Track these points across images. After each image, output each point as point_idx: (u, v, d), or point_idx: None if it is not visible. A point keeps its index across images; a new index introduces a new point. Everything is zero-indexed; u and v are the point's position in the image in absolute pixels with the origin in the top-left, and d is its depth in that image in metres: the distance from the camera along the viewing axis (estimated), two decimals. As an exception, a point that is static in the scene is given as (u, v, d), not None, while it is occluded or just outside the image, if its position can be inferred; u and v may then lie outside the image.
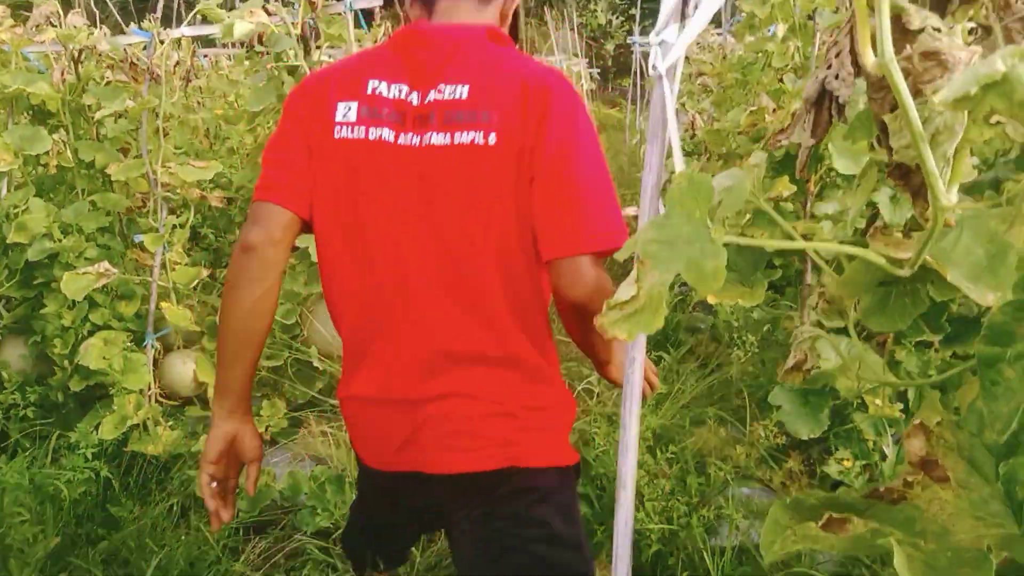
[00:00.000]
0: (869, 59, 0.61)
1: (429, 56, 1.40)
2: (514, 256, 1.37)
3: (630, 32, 22.34)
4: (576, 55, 12.63)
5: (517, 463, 1.41)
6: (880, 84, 0.64)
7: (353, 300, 1.48)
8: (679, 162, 1.06)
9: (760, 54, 2.81)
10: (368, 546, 1.82)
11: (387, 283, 1.41)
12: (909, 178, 0.69)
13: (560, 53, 11.55)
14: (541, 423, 1.45)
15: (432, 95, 1.37)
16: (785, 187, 2.66)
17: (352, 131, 1.38)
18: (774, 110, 2.76)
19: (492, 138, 1.32)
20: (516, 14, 1.62)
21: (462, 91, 1.35)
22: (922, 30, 0.63)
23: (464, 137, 1.33)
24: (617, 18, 21.23)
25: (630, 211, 6.13)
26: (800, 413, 2.69)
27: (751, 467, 2.50)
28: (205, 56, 7.42)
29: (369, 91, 1.40)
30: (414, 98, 1.39)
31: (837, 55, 0.66)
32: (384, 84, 1.40)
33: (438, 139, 1.35)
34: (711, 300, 2.80)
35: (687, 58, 6.32)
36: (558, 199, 1.32)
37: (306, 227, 1.47)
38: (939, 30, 0.63)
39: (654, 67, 1.04)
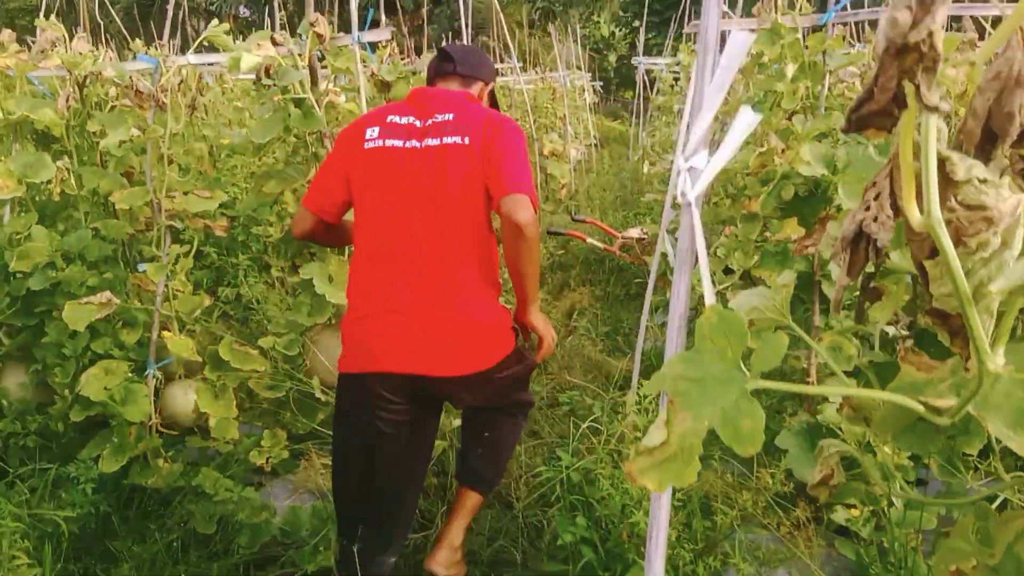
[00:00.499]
0: (914, 216, 0.59)
1: (428, 101, 2.33)
2: (478, 211, 2.19)
3: (633, 44, 22.38)
4: (579, 68, 12.64)
5: (482, 367, 2.22)
6: (920, 232, 0.62)
7: (376, 251, 2.23)
8: (709, 294, 1.04)
9: (768, 93, 2.79)
10: (347, 509, 2.44)
11: (403, 234, 2.18)
12: (948, 320, 0.67)
13: (563, 66, 11.55)
14: (495, 333, 2.25)
15: (429, 120, 2.26)
16: (794, 230, 2.64)
17: (373, 143, 2.25)
18: (783, 150, 2.75)
19: (467, 140, 2.19)
20: (492, 96, 2.61)
21: (449, 116, 2.25)
22: (967, 181, 0.60)
23: (449, 140, 2.20)
24: (620, 30, 21.24)
25: (633, 232, 6.04)
26: (807, 458, 2.66)
27: (757, 513, 2.47)
28: (211, 66, 7.42)
29: (387, 121, 2.29)
30: (417, 123, 2.27)
31: (876, 197, 0.64)
32: (397, 117, 2.30)
33: (432, 142, 2.21)
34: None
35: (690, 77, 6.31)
36: (504, 169, 2.16)
37: (326, 224, 2.39)
38: (985, 180, 0.61)
39: (683, 194, 1.02)
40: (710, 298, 1.03)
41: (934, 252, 0.65)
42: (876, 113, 0.52)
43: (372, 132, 2.26)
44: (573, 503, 2.57)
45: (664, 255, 4.82)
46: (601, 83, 16.58)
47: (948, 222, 0.60)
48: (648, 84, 11.23)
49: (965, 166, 0.61)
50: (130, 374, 3.07)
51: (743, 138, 1.00)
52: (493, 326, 2.24)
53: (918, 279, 0.66)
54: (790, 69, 2.73)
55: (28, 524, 2.67)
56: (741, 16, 3.32)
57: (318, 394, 3.31)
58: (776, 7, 2.77)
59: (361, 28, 3.06)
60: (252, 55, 2.68)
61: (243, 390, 3.35)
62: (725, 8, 2.95)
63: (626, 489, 2.38)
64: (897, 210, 0.66)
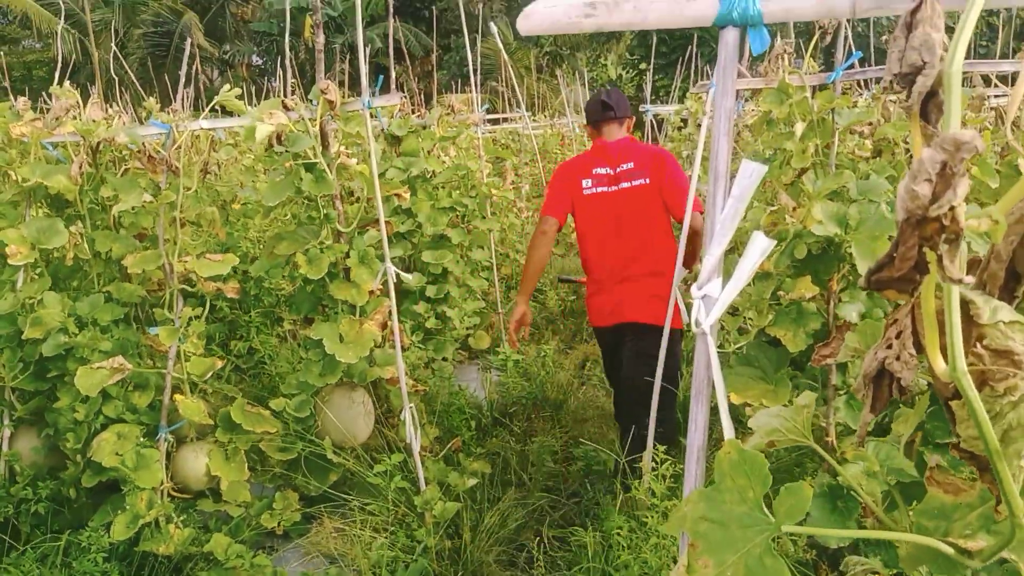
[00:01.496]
0: (939, 366, 0.57)
1: (613, 154, 3.63)
2: (658, 229, 3.59)
3: (640, 86, 22.56)
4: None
5: (657, 322, 3.42)
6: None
7: (595, 254, 3.69)
8: (728, 429, 1.02)
9: (779, 151, 2.79)
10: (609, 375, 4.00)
11: (607, 244, 3.62)
12: (976, 459, 0.64)
13: (571, 110, 11.64)
14: (664, 303, 3.39)
15: (618, 169, 3.60)
16: (808, 288, 2.61)
17: (590, 191, 3.63)
18: (794, 208, 2.73)
19: (647, 180, 3.55)
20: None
21: (631, 164, 3.59)
22: (993, 324, 0.59)
23: (636, 183, 3.56)
24: (627, 72, 21.45)
25: None
26: (829, 521, 2.61)
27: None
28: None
29: (592, 173, 3.65)
30: (611, 172, 3.61)
31: (898, 335, 0.62)
32: (599, 168, 3.64)
33: (625, 185, 3.58)
34: (735, 400, 2.74)
35: (698, 124, 6.32)
36: (676, 194, 3.46)
37: (559, 226, 3.69)
38: (1012, 323, 0.59)
39: (697, 323, 1.01)
40: (729, 432, 1.01)
41: (958, 393, 0.63)
42: (897, 280, 0.51)
43: (587, 183, 3.65)
44: (592, 570, 2.52)
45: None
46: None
47: (972, 364, 0.59)
48: (656, 131, 11.29)
49: (990, 309, 0.59)
50: (141, 438, 3.06)
51: (756, 265, 0.99)
52: (666, 296, 3.40)
53: (946, 416, 0.64)
54: (799, 127, 2.73)
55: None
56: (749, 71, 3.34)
57: (329, 455, 3.29)
58: (784, 66, 2.78)
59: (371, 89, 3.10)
60: (265, 124, 2.70)
61: (254, 451, 3.33)
62: (741, 67, 2.97)
63: (645, 560, 2.33)
64: (920, 348, 0.64)
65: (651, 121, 11.12)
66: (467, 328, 5.29)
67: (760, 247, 0.95)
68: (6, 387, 3.17)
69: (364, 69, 2.81)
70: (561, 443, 4.11)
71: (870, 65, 2.83)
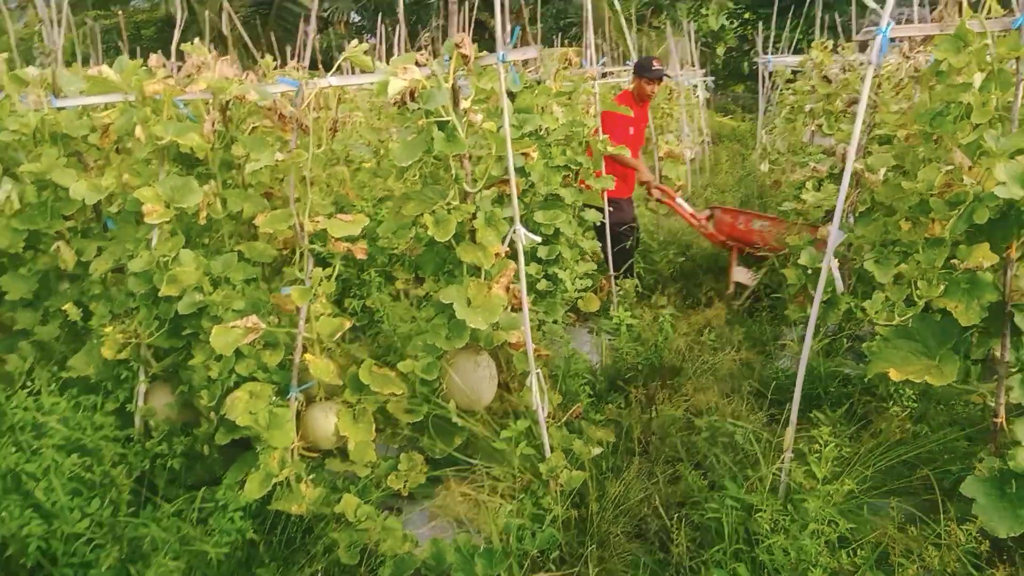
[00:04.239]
0: None
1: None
2: None
3: (744, 37, 21.67)
4: (692, 65, 12.27)
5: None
6: None
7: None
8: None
9: (952, 105, 2.53)
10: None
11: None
12: None
13: (677, 63, 11.23)
14: None
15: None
16: (985, 256, 2.39)
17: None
18: (969, 168, 2.49)
19: None
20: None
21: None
22: None
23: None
24: (730, 21, 20.62)
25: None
26: (997, 508, 2.41)
27: (944, 573, 2.24)
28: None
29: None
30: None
31: None
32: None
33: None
34: (894, 377, 2.55)
35: (826, 77, 5.95)
36: None
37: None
38: None
39: None
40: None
41: None
42: None
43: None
44: (736, 552, 2.40)
45: (802, 268, 4.55)
46: (712, 78, 16.11)
47: None
48: (765, 81, 10.79)
49: None
50: (273, 397, 3.08)
51: None
52: None
53: None
54: (978, 78, 2.48)
55: (176, 551, 2.69)
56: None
57: (454, 418, 3.25)
58: (961, 10, 2.52)
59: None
60: (399, 79, 2.62)
61: (380, 412, 3.32)
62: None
63: (801, 547, 2.19)
64: None
65: (763, 73, 10.64)
66: (577, 291, 5.17)
67: None
68: (142, 344, 3.24)
69: (500, 21, 2.68)
70: (682, 411, 3.97)
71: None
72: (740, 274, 5.84)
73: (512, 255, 3.18)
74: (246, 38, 5.51)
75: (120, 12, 15.00)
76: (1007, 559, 2.33)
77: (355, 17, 21.01)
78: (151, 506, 3.01)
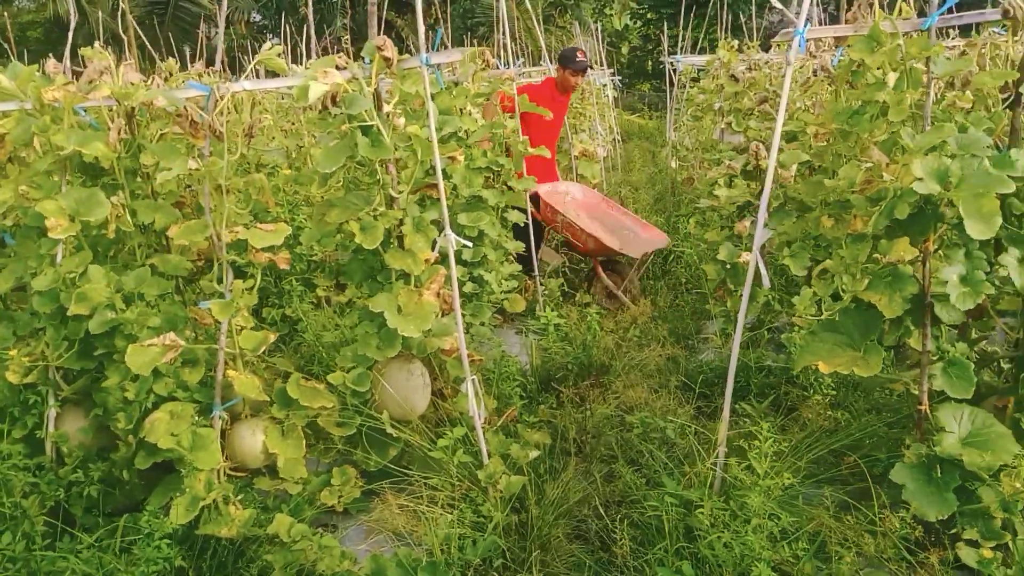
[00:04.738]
0: None
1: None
2: None
3: (648, 36, 22.11)
4: (600, 64, 12.44)
5: None
6: None
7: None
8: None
9: (868, 104, 2.62)
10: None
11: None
12: None
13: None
14: None
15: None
16: (906, 250, 2.47)
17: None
18: (886, 165, 2.58)
19: None
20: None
21: None
22: None
23: None
24: (634, 21, 21.00)
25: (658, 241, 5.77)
26: (926, 492, 2.50)
27: (881, 560, 2.31)
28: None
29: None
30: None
31: None
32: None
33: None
34: (823, 370, 2.62)
35: (733, 76, 6.10)
36: None
37: None
38: None
39: None
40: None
41: None
42: None
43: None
44: (678, 549, 2.42)
45: (721, 263, 4.65)
46: (620, 77, 16.37)
47: None
48: (673, 79, 11.04)
49: None
50: (196, 417, 2.94)
51: None
52: None
53: None
54: (892, 78, 2.56)
55: (100, 582, 2.54)
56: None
57: (389, 429, 3.18)
58: (873, 11, 2.60)
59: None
60: (320, 84, 2.53)
61: (310, 427, 3.22)
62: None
63: (745, 542, 2.22)
64: None
65: (669, 72, 10.88)
66: (503, 292, 5.16)
67: None
68: (51, 366, 3.04)
69: (422, 24, 2.63)
70: (614, 408, 3.99)
71: (967, 10, 2.65)
72: (547, 254, 6.41)
73: (442, 260, 3.13)
74: (143, 39, 5.27)
75: (4, 13, 14.18)
76: (937, 542, 2.42)
77: (256, 16, 20.47)
78: (68, 538, 2.83)
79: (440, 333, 3.30)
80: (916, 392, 2.65)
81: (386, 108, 2.95)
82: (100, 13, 10.77)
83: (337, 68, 2.78)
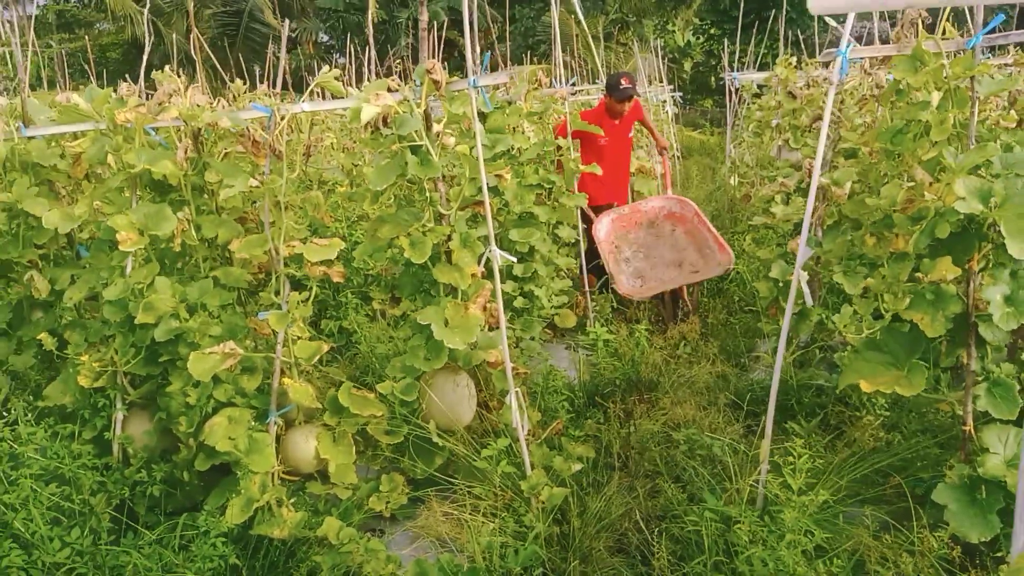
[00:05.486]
0: None
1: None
2: None
3: (711, 52, 22.00)
4: (660, 81, 12.44)
5: None
6: None
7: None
8: None
9: (911, 123, 2.61)
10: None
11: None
12: None
13: (645, 80, 11.37)
14: None
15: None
16: (948, 269, 2.46)
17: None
18: (930, 184, 2.57)
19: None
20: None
21: None
22: None
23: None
24: (696, 37, 20.91)
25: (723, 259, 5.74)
26: (968, 514, 2.48)
27: (920, 579, 2.29)
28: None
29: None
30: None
31: None
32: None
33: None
34: (865, 388, 2.61)
35: (791, 92, 6.07)
36: None
37: None
38: None
39: None
40: None
41: None
42: None
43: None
44: (716, 564, 2.44)
45: (773, 281, 4.63)
46: (680, 93, 16.32)
47: None
48: (732, 95, 10.98)
49: None
50: (252, 422, 3.08)
51: None
52: None
53: None
54: (935, 97, 2.56)
55: (159, 576, 2.68)
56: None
57: (435, 438, 3.27)
58: (918, 32, 2.61)
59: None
60: (372, 106, 2.65)
61: (361, 435, 3.33)
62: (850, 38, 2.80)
63: (779, 558, 2.24)
64: None
65: (729, 89, 10.83)
66: (554, 307, 5.23)
67: None
68: (119, 371, 3.23)
69: (471, 46, 2.73)
70: (660, 425, 4.01)
71: (1014, 28, 2.63)
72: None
73: (488, 275, 3.22)
74: (214, 60, 5.54)
75: (85, 35, 14.90)
76: (979, 563, 2.39)
77: (323, 37, 21.07)
78: (132, 534, 2.99)
79: (486, 346, 3.39)
80: (961, 413, 2.62)
81: (435, 128, 3.07)
82: (175, 35, 11.25)
83: (389, 91, 2.91)
